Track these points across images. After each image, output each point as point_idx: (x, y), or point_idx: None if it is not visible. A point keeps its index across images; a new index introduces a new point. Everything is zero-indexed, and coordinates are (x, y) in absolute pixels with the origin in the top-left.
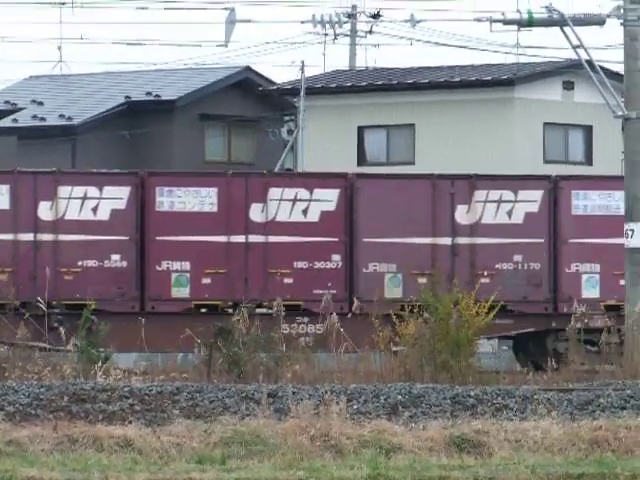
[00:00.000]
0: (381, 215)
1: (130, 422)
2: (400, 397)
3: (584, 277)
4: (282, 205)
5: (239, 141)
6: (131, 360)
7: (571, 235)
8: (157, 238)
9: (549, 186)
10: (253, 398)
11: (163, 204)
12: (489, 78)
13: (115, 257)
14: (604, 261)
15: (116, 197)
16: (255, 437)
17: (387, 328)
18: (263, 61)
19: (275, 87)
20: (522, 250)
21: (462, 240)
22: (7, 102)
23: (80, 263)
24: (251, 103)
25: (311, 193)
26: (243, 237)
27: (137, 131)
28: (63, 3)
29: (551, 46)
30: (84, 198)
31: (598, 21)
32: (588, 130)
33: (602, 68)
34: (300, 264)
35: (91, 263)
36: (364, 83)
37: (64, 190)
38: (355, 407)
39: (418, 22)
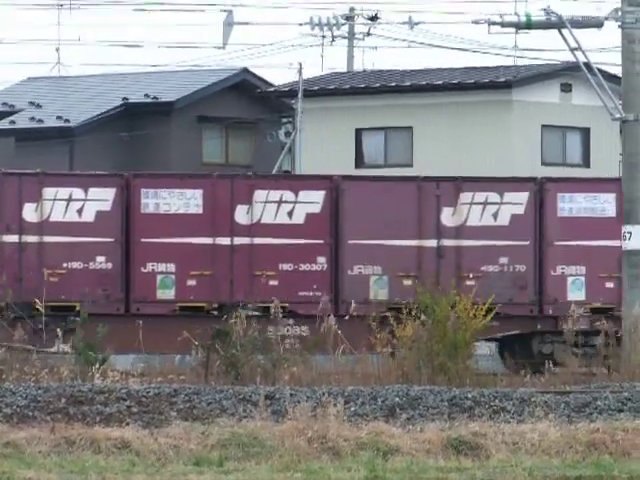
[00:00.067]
0: (367, 217)
1: (127, 424)
2: (397, 399)
3: (570, 279)
4: (267, 207)
5: (237, 143)
6: (128, 362)
7: (557, 237)
8: (142, 240)
9: (535, 188)
10: (250, 400)
11: (148, 206)
12: (487, 80)
13: (100, 259)
14: (590, 263)
15: (101, 199)
16: (252, 439)
17: (385, 330)
18: (261, 63)
19: (273, 89)
20: (508, 252)
21: (448, 242)
22: (5, 104)
23: (65, 265)
24: (249, 105)
25: (296, 195)
26: (228, 239)
27: (135, 133)
28: (61, 5)
29: (549, 48)
30: (69, 200)
31: (596, 24)
32: (586, 132)
33: (600, 70)
34: (285, 266)
35: (76, 265)
36: (362, 85)
37: (49, 192)
38: (352, 409)
39: (416, 24)
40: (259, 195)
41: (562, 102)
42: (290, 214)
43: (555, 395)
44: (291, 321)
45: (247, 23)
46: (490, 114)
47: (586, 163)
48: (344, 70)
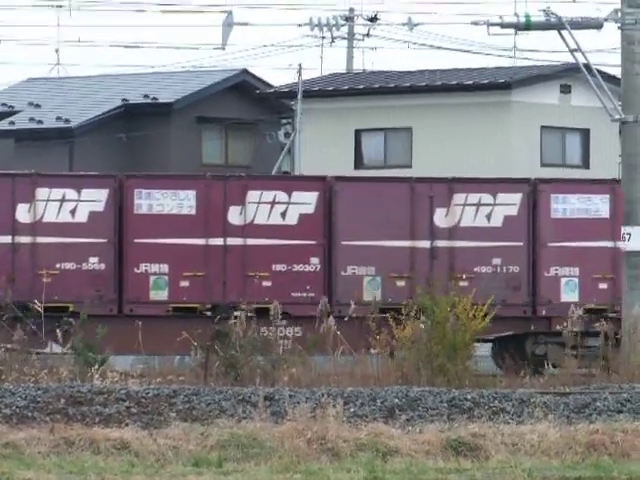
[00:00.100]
0: (360, 218)
1: (127, 425)
2: (397, 400)
3: (563, 280)
4: (260, 208)
5: (236, 144)
6: (128, 363)
7: (550, 238)
8: (135, 241)
9: (528, 189)
10: (250, 401)
11: (141, 207)
12: (486, 81)
13: (93, 260)
14: (583, 265)
15: (94, 199)
16: (252, 440)
17: (380, 331)
18: (260, 64)
19: (272, 90)
20: (501, 253)
21: (441, 243)
22: (4, 104)
23: (58, 265)
24: (248, 106)
25: (290, 196)
26: (221, 240)
27: (134, 134)
28: (61, 6)
29: (548, 49)
30: (62, 200)
31: (595, 25)
32: (585, 133)
33: (599, 71)
34: (278, 267)
35: (69, 266)
36: (361, 86)
37: (42, 192)
38: (352, 410)
39: (415, 25)
40: (252, 196)
41: (561, 103)
42: (283, 215)
43: (554, 396)
44: (284, 322)
45: (246, 24)
46: (489, 115)
47: (585, 164)
48: (344, 71)
